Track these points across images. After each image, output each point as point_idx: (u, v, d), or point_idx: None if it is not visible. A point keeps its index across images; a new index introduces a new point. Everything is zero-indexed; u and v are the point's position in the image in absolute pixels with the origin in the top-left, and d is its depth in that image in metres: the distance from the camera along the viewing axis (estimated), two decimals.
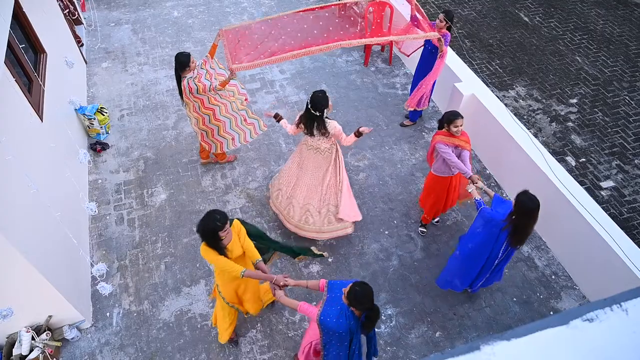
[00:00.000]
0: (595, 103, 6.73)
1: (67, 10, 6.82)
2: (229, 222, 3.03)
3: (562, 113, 6.57)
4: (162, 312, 4.26)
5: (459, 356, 1.02)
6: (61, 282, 3.67)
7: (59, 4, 6.32)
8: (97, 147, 5.68)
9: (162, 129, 6.03)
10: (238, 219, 3.31)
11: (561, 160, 5.80)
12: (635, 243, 4.06)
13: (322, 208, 4.42)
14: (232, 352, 3.99)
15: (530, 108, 6.65)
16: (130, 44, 7.44)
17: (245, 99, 4.99)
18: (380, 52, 7.34)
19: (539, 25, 8.27)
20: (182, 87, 4.48)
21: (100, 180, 5.40)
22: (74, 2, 7.31)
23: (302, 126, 4.10)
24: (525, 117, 6.49)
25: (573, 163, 5.86)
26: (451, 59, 5.92)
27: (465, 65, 5.92)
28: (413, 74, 6.16)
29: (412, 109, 5.63)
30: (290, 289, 4.23)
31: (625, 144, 6.15)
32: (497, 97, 5.95)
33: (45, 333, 3.79)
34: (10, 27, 3.63)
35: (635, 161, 5.92)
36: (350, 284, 2.75)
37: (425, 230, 4.91)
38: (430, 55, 5.34)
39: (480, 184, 3.86)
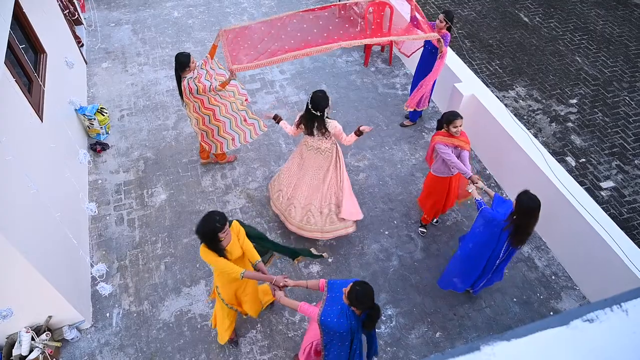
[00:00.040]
0: (595, 103, 6.73)
1: (67, 10, 6.82)
2: (228, 223, 3.03)
3: (562, 113, 6.57)
4: (162, 313, 4.25)
5: (459, 356, 1.02)
6: (61, 283, 3.67)
7: (59, 5, 6.32)
8: (97, 147, 5.68)
9: (162, 129, 6.03)
10: (237, 220, 3.30)
11: (561, 161, 5.80)
12: (635, 243, 4.06)
13: (323, 208, 4.42)
14: (232, 353, 3.99)
15: (530, 108, 6.65)
16: (130, 44, 7.44)
17: (246, 99, 4.99)
18: (380, 52, 7.34)
19: (538, 25, 8.27)
20: (182, 88, 4.48)
21: (100, 181, 5.40)
22: (74, 3, 7.32)
23: (303, 126, 4.10)
24: (525, 117, 6.49)
25: (573, 163, 5.86)
26: (451, 59, 5.93)
27: (465, 65, 5.92)
28: (413, 74, 6.16)
29: (411, 110, 5.63)
30: (290, 289, 4.23)
31: (625, 144, 6.15)
32: (497, 97, 5.96)
33: (45, 333, 3.79)
34: (11, 28, 3.62)
35: (635, 161, 5.92)
36: (351, 284, 2.75)
37: (425, 230, 4.91)
38: (430, 55, 5.34)
39: (480, 184, 3.86)
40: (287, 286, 3.21)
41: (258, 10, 8.31)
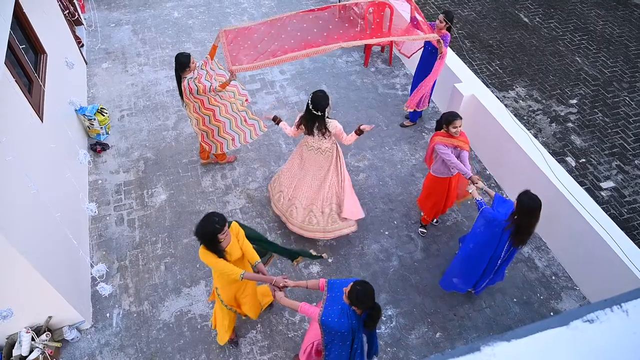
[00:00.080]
0: (595, 104, 6.73)
1: (67, 11, 6.83)
2: (227, 224, 3.02)
3: (562, 114, 6.57)
4: (162, 313, 4.25)
5: (459, 357, 1.02)
6: (61, 283, 3.67)
7: (59, 5, 6.32)
8: (97, 147, 5.68)
9: (162, 129, 6.03)
10: (236, 221, 3.30)
11: (561, 161, 5.80)
12: (635, 244, 4.06)
13: (325, 208, 4.42)
14: (232, 353, 3.99)
15: (530, 109, 6.65)
16: (130, 45, 7.45)
17: (246, 100, 5.00)
18: (380, 52, 7.34)
19: (538, 26, 8.27)
20: (183, 88, 4.48)
21: (100, 181, 5.40)
22: (74, 3, 7.32)
23: (303, 127, 4.10)
24: (525, 117, 6.49)
25: (573, 164, 5.86)
26: (451, 59, 5.93)
27: (465, 65, 5.92)
28: (413, 74, 6.17)
29: (411, 110, 5.64)
30: (290, 290, 4.23)
31: (625, 144, 6.15)
32: (497, 97, 5.96)
33: (45, 334, 3.79)
34: (11, 28, 3.63)
35: (635, 162, 5.92)
36: (351, 283, 2.75)
37: (425, 230, 4.91)
38: (430, 56, 5.34)
39: (480, 184, 3.86)
40: (287, 287, 3.21)
41: (258, 10, 8.31)
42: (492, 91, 6.21)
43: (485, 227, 3.64)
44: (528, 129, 5.99)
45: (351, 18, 4.79)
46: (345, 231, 4.56)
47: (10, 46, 3.99)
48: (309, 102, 3.89)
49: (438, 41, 4.75)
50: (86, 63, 7.01)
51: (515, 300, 4.41)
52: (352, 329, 2.82)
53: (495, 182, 5.46)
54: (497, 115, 5.14)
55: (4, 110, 3.46)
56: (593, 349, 1.08)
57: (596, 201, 4.51)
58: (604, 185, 5.62)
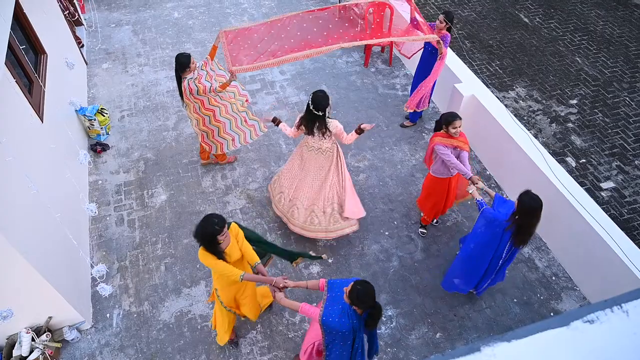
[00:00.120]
0: (595, 104, 6.73)
1: (68, 11, 6.83)
2: (226, 225, 3.01)
3: (562, 114, 6.57)
4: (162, 313, 4.25)
5: (460, 357, 1.02)
6: (61, 283, 3.67)
7: (60, 5, 6.32)
8: (98, 148, 5.68)
9: (163, 129, 6.03)
10: (235, 222, 3.30)
11: (561, 161, 5.80)
12: (635, 244, 4.06)
13: (326, 207, 4.42)
14: (232, 354, 3.99)
15: (531, 109, 6.65)
16: (130, 45, 7.45)
17: (246, 100, 5.00)
18: (381, 53, 7.34)
19: (539, 26, 8.27)
20: (183, 88, 4.48)
21: (100, 181, 5.40)
22: (74, 3, 7.32)
23: (303, 127, 4.10)
24: (525, 118, 6.49)
25: (573, 164, 5.86)
26: (451, 59, 5.93)
27: (465, 66, 5.92)
28: (413, 75, 6.17)
29: (411, 111, 5.64)
30: (290, 290, 4.23)
31: (625, 144, 6.15)
32: (497, 98, 5.96)
33: (45, 334, 3.79)
34: (11, 28, 3.63)
35: (636, 162, 5.92)
36: (352, 283, 2.75)
37: (425, 231, 4.91)
38: (430, 56, 5.34)
39: (480, 184, 3.86)
40: (287, 287, 3.20)
41: (258, 11, 8.31)
42: (492, 91, 6.21)
43: (486, 227, 3.64)
44: (528, 129, 5.99)
45: (351, 18, 4.79)
46: (347, 230, 4.56)
47: (10, 46, 3.99)
48: (310, 102, 3.89)
49: (438, 42, 4.75)
50: (86, 63, 7.01)
51: (515, 300, 4.41)
52: (353, 328, 2.82)
53: (496, 182, 5.46)
54: (497, 115, 5.14)
55: (4, 111, 3.46)
56: (593, 350, 1.08)
57: (596, 201, 4.50)
58: (604, 185, 5.62)
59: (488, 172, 5.56)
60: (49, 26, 5.45)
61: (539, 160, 4.62)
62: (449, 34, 5.07)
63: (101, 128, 5.72)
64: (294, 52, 4.10)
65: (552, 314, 4.36)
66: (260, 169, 5.57)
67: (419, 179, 5.44)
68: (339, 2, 6.89)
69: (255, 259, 3.33)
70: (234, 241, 3.19)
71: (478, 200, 3.72)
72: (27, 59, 4.45)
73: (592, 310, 1.12)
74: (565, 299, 4.43)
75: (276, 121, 4.27)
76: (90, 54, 7.24)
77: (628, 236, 4.12)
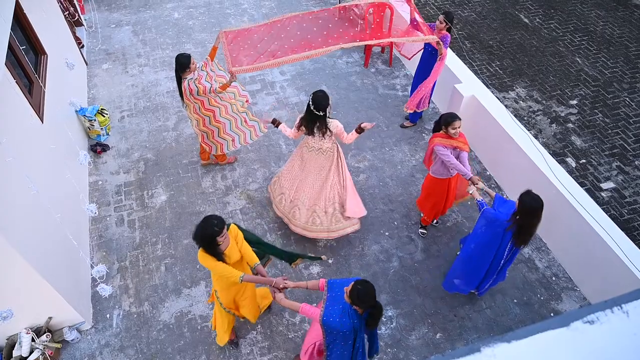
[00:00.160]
0: (595, 104, 6.73)
1: (68, 12, 6.83)
2: (226, 227, 3.01)
3: (562, 114, 6.57)
4: (162, 314, 4.25)
5: (460, 358, 1.02)
6: (61, 284, 3.67)
7: (60, 6, 6.33)
8: (98, 148, 5.69)
9: (163, 130, 6.04)
10: (234, 223, 3.29)
11: (561, 162, 5.80)
12: (635, 244, 4.06)
13: (328, 207, 4.42)
14: (232, 354, 3.98)
15: (531, 109, 6.65)
16: (130, 46, 7.45)
17: (247, 101, 5.00)
18: (381, 53, 7.34)
19: (539, 26, 8.27)
20: (183, 89, 4.48)
21: (100, 182, 5.40)
22: (74, 4, 7.33)
23: (303, 128, 4.10)
24: (525, 118, 6.49)
25: (573, 164, 5.86)
26: (451, 60, 5.93)
27: (465, 66, 5.92)
28: (413, 75, 6.17)
29: (411, 111, 5.63)
30: (290, 291, 4.23)
31: (625, 145, 6.15)
32: (497, 98, 5.96)
33: (45, 334, 3.79)
34: (11, 29, 3.63)
35: (636, 162, 5.92)
36: (352, 283, 2.76)
37: (425, 231, 4.91)
38: (430, 57, 5.34)
39: (480, 184, 3.86)
40: (287, 288, 3.20)
41: (258, 11, 8.31)
42: (492, 92, 6.21)
43: (487, 227, 3.64)
44: (528, 130, 5.99)
45: (351, 18, 4.79)
46: (348, 230, 4.56)
47: (10, 47, 3.99)
48: (310, 102, 3.89)
49: (437, 43, 4.75)
50: (86, 64, 7.01)
51: (515, 301, 4.41)
52: (354, 328, 2.82)
53: (496, 182, 5.46)
54: (497, 116, 5.14)
55: (4, 111, 3.46)
56: (593, 350, 1.08)
57: (596, 202, 4.50)
58: (604, 186, 5.62)
59: (488, 173, 5.56)
60: (49, 27, 5.45)
61: (539, 161, 4.62)
62: (449, 35, 5.07)
63: (101, 128, 5.72)
64: (294, 52, 4.10)
65: (552, 314, 4.36)
66: (260, 169, 5.57)
67: (419, 179, 5.44)
68: (339, 2, 6.89)
69: (255, 260, 3.33)
70: (234, 242, 3.18)
71: (478, 201, 3.72)
72: (27, 59, 4.45)
73: (592, 310, 1.12)
74: (565, 299, 4.43)
75: (276, 122, 4.26)
76: (90, 54, 7.24)
77: (628, 236, 4.12)
